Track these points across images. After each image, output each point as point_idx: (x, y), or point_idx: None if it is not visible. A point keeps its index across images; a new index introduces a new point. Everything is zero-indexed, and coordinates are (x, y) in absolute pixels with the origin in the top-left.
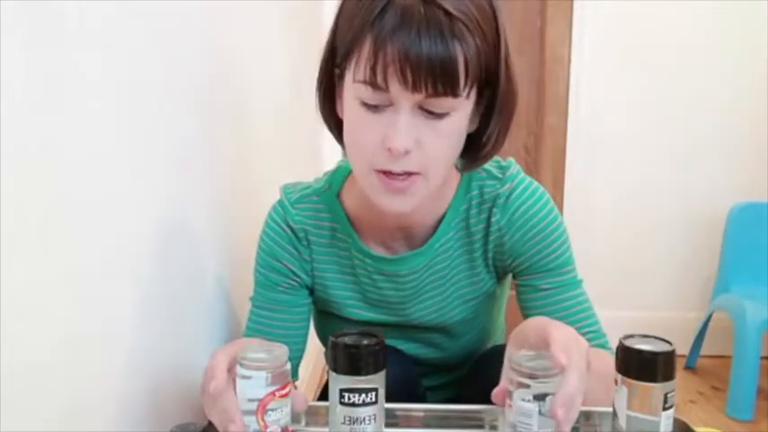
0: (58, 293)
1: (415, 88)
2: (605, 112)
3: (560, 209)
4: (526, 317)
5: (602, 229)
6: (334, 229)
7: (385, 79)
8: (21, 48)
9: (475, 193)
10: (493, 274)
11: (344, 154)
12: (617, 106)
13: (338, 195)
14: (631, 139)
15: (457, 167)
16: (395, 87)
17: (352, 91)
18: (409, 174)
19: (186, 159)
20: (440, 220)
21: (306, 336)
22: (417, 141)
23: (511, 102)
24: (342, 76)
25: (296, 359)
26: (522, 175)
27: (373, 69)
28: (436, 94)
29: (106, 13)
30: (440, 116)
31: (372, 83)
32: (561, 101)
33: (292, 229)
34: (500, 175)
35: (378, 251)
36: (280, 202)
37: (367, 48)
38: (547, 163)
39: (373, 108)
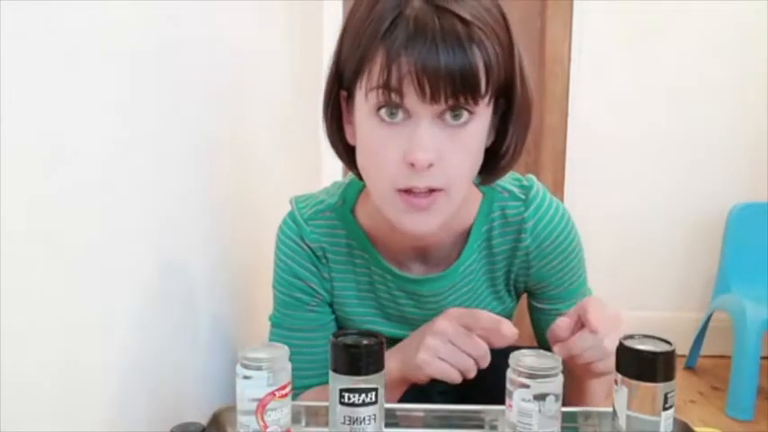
0: (59, 292)
1: (434, 99)
2: (605, 113)
3: None
4: (542, 334)
5: (602, 230)
6: (350, 245)
7: (400, 89)
8: (15, 77)
9: (497, 213)
10: (513, 297)
11: (349, 176)
12: (617, 106)
13: (352, 211)
14: (631, 140)
15: (476, 186)
16: (411, 98)
17: (366, 108)
18: (432, 190)
19: (187, 167)
20: (459, 242)
21: None
22: (439, 154)
23: (527, 109)
24: (351, 98)
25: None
26: (549, 196)
27: (387, 80)
28: (457, 104)
29: (106, 24)
30: (460, 126)
31: (387, 86)
32: (561, 101)
33: (310, 248)
34: (523, 196)
35: (396, 270)
36: (292, 218)
37: (379, 61)
38: (547, 163)
39: (390, 123)
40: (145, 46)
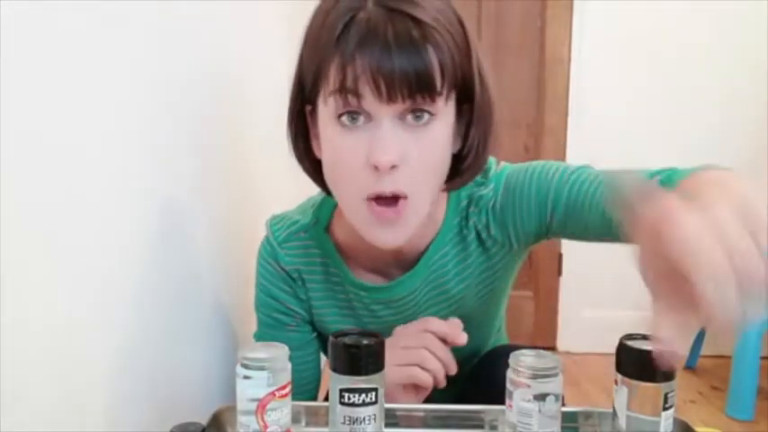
0: (59, 292)
1: (391, 99)
2: (605, 112)
3: None
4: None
5: None
6: (326, 264)
7: (356, 90)
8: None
9: (465, 202)
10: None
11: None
12: (617, 106)
13: (327, 229)
14: (631, 139)
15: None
16: (369, 100)
17: (327, 116)
18: (397, 198)
19: (187, 167)
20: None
21: (320, 365)
22: (403, 155)
23: (488, 111)
24: (314, 110)
25: (313, 390)
26: (499, 169)
27: (343, 82)
28: (415, 104)
29: (106, 24)
30: (423, 126)
31: (343, 89)
32: (561, 101)
33: (285, 271)
34: (483, 180)
35: (372, 281)
36: (267, 241)
37: (335, 65)
38: None
39: (352, 127)
40: (145, 46)
